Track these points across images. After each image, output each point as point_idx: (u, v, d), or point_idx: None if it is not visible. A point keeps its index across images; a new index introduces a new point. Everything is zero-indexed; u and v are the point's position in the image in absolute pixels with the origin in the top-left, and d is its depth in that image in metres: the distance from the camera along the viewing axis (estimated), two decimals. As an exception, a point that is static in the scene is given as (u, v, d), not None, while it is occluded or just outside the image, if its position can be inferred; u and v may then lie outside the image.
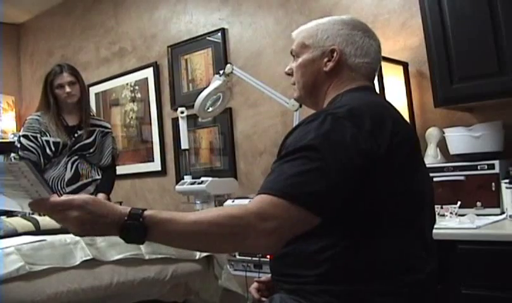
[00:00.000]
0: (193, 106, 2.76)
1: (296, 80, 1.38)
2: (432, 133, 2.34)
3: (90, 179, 2.75)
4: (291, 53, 1.40)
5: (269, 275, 1.38)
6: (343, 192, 1.10)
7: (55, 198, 1.05)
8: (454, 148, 2.25)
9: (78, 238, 1.81)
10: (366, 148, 1.11)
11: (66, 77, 2.74)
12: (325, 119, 1.13)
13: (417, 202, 1.23)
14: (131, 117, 4.08)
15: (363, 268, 1.14)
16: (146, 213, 1.05)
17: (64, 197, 1.06)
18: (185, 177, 3.14)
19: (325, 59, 1.31)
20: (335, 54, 1.30)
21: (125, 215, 1.04)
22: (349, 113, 1.15)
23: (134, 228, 1.04)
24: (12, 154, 3.57)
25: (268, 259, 2.47)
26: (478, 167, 2.12)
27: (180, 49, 3.69)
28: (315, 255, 1.15)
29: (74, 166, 2.72)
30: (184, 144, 3.17)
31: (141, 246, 1.93)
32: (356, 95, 1.28)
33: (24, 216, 2.23)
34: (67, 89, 2.72)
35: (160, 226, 1.05)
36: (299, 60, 1.36)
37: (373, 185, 1.12)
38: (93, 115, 3.00)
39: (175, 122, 3.60)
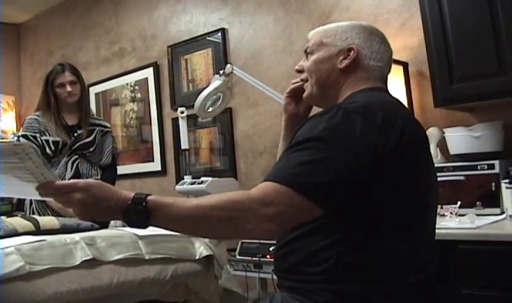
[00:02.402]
0: (193, 106, 2.76)
1: (309, 77, 1.38)
2: (432, 133, 2.34)
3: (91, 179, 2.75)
4: (305, 51, 1.40)
5: (300, 83, 1.42)
6: (348, 185, 1.10)
7: (60, 181, 1.09)
8: (454, 148, 2.25)
9: (78, 238, 1.81)
10: (374, 143, 1.11)
11: (67, 76, 2.74)
12: (337, 113, 1.14)
13: (422, 203, 1.23)
14: (131, 117, 4.08)
15: (366, 267, 1.14)
16: (149, 197, 1.07)
17: (69, 180, 1.09)
18: (185, 177, 3.14)
19: (341, 57, 1.32)
20: (352, 52, 1.31)
21: (129, 199, 1.07)
22: (361, 109, 1.15)
23: (137, 212, 1.06)
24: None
25: (269, 259, 2.47)
26: (478, 167, 2.12)
27: (180, 49, 3.69)
28: (318, 253, 1.16)
29: (75, 165, 2.72)
30: (184, 144, 3.17)
31: (141, 246, 1.93)
32: (369, 93, 1.29)
33: (24, 216, 2.23)
34: (69, 88, 2.72)
35: (163, 210, 1.07)
36: (314, 56, 1.36)
37: (379, 182, 1.13)
38: (93, 115, 3.00)
39: (175, 122, 3.60)
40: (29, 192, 1.15)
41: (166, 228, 1.16)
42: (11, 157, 1.04)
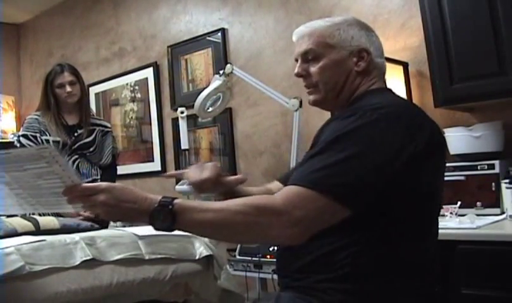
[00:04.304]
0: (193, 106, 2.76)
1: (320, 82, 1.30)
2: (432, 133, 2.34)
3: (90, 179, 2.75)
4: (306, 54, 1.32)
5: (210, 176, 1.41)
6: (373, 187, 1.09)
7: (85, 184, 1.10)
8: (454, 148, 2.25)
9: (78, 238, 1.81)
10: (403, 145, 1.11)
11: (66, 76, 2.74)
12: (363, 115, 1.13)
13: (436, 205, 1.25)
14: (131, 117, 4.08)
15: (381, 267, 1.14)
16: (176, 201, 1.08)
17: (94, 183, 1.11)
18: (185, 177, 3.13)
19: (354, 59, 1.29)
20: (365, 54, 1.29)
21: (155, 202, 1.08)
22: (387, 111, 1.14)
23: (164, 214, 1.06)
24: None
25: (269, 259, 2.47)
26: (478, 167, 2.12)
27: (180, 49, 3.69)
28: (334, 253, 1.15)
29: (75, 165, 2.72)
30: (184, 144, 3.17)
31: (141, 246, 1.93)
32: (385, 95, 1.29)
33: (24, 216, 2.23)
34: (68, 88, 2.72)
35: (188, 214, 1.07)
36: (325, 60, 1.29)
37: (403, 184, 1.12)
38: (93, 115, 3.00)
39: (175, 122, 3.60)
40: (28, 208, 1.17)
41: (191, 232, 1.16)
42: (39, 161, 1.05)
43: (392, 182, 1.10)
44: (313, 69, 1.31)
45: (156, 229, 1.08)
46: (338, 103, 1.33)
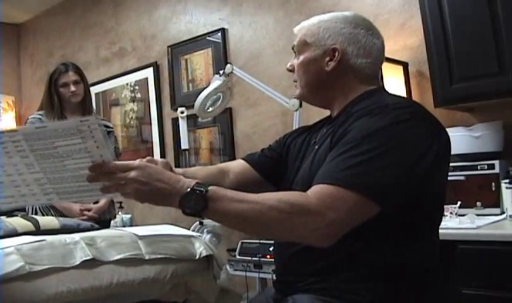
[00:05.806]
0: (193, 106, 2.76)
1: (298, 78, 1.35)
2: (432, 133, 2.34)
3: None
4: (293, 49, 1.37)
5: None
6: (404, 185, 1.08)
7: (117, 161, 1.07)
8: (454, 148, 2.22)
9: (78, 238, 1.81)
10: (428, 146, 1.11)
11: (71, 76, 2.73)
12: (391, 113, 1.12)
13: (443, 205, 1.28)
14: (131, 117, 4.08)
15: (407, 267, 1.15)
16: (210, 187, 1.05)
17: (127, 161, 1.08)
18: (185, 177, 3.13)
19: (327, 59, 1.28)
20: (336, 54, 1.27)
21: (188, 186, 1.05)
22: (414, 111, 1.15)
23: (196, 199, 1.04)
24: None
25: (269, 259, 2.46)
26: (478, 167, 2.12)
27: (180, 49, 3.69)
28: (360, 253, 1.14)
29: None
30: (184, 144, 3.16)
31: (141, 246, 1.93)
32: (392, 95, 1.30)
33: (24, 216, 2.23)
34: (72, 88, 2.71)
35: (222, 201, 1.05)
36: (301, 58, 1.33)
37: (426, 185, 1.13)
38: (96, 115, 3.00)
39: (175, 122, 3.60)
40: (31, 200, 1.13)
41: (218, 220, 1.12)
42: (74, 137, 1.01)
43: (419, 182, 1.10)
44: (295, 65, 1.36)
45: (185, 213, 1.05)
46: (320, 100, 1.36)
